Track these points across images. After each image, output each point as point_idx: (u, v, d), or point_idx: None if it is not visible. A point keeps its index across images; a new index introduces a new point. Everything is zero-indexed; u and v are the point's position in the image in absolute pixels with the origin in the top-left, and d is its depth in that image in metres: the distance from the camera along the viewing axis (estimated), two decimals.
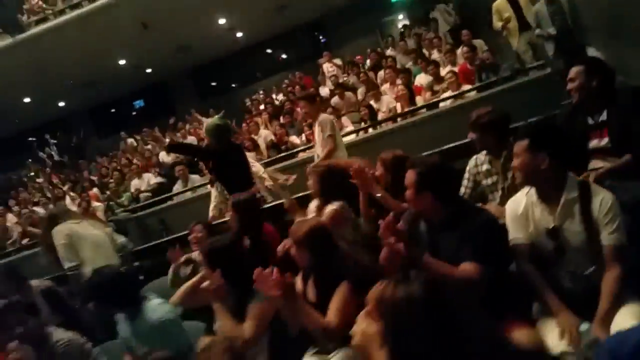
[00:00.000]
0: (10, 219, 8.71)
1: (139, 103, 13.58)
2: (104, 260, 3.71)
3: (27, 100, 11.49)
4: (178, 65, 12.24)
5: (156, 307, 2.43)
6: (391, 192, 2.76)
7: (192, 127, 10.19)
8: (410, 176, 2.18)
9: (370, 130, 6.13)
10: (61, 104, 12.61)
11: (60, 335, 2.56)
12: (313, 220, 2.36)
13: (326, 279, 2.18)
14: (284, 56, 13.78)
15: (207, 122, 4.69)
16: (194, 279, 2.57)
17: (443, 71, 6.60)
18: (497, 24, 6.00)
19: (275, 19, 11.37)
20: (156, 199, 7.38)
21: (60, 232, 3.66)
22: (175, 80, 13.15)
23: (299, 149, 6.46)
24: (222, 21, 10.75)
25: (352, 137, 6.18)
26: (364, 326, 1.33)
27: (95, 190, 8.56)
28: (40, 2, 10.33)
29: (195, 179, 7.02)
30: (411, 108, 5.98)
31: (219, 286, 2.28)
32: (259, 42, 12.58)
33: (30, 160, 12.34)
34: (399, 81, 7.02)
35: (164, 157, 9.13)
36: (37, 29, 9.65)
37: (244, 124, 8.83)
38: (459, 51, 7.20)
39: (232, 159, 4.29)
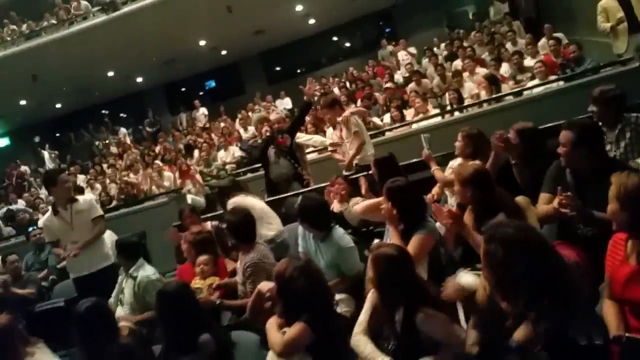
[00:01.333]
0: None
1: (210, 83, 14.32)
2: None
3: (110, 74, 12.34)
4: (250, 48, 12.94)
5: (342, 236, 3.00)
6: (523, 160, 3.23)
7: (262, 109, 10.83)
8: (566, 135, 2.65)
9: (457, 113, 6.57)
10: (139, 79, 13.46)
11: None
12: (474, 164, 2.85)
13: (486, 210, 2.65)
14: (348, 44, 14.29)
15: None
16: (376, 201, 3.09)
17: (527, 62, 6.97)
18: (604, 25, 5.80)
19: (347, 7, 11.86)
20: (244, 169, 7.98)
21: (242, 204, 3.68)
22: (247, 63, 13.86)
23: (385, 128, 6.96)
24: (299, 7, 11.32)
25: (438, 119, 6.64)
26: None
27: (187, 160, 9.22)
28: None
29: None
30: (497, 95, 6.37)
31: (393, 215, 2.81)
32: (328, 29, 13.14)
33: (104, 131, 13.29)
34: (481, 69, 7.45)
35: (243, 132, 9.80)
36: (129, 7, 10.40)
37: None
38: (540, 43, 7.57)
39: None
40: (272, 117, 5.82)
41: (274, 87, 13.03)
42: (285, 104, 11.81)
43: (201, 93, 14.57)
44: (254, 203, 3.82)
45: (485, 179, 2.66)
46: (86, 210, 4.05)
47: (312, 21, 12.36)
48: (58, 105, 13.63)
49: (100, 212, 4.19)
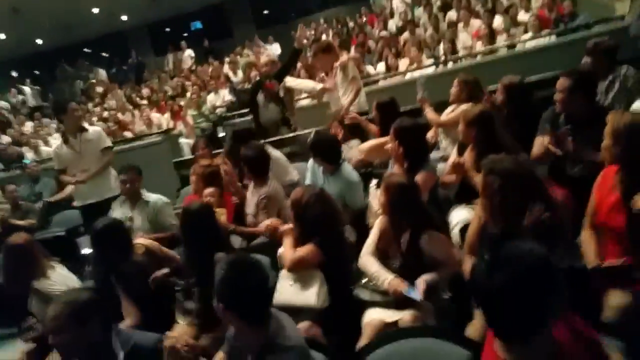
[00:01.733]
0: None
1: (196, 24, 13.93)
2: None
3: (95, 11, 11.88)
4: None
5: (351, 171, 3.19)
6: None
7: (251, 52, 10.67)
8: (563, 82, 2.82)
9: (450, 64, 6.67)
10: (124, 17, 13.01)
11: None
12: (480, 106, 3.02)
13: (488, 150, 2.84)
14: None
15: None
16: (383, 140, 3.26)
17: (520, 16, 7.04)
18: None
19: None
20: (233, 113, 8.03)
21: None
22: (235, 5, 13.47)
23: (380, 76, 7.05)
24: None
25: (432, 69, 6.74)
26: None
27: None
28: None
29: None
30: (491, 46, 6.48)
31: (399, 154, 2.98)
32: None
33: (86, 71, 12.93)
34: (476, 21, 7.49)
35: (232, 76, 9.70)
36: None
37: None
38: None
39: None
40: (263, 59, 5.72)
41: (262, 31, 12.73)
42: (273, 49, 11.63)
43: (186, 34, 14.19)
44: (273, 151, 3.92)
45: (489, 121, 2.84)
46: (95, 140, 4.19)
47: None
48: (39, 42, 13.16)
49: (109, 143, 4.34)
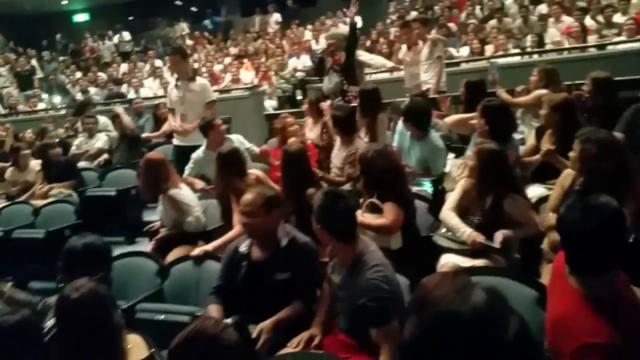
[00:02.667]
0: None
1: None
2: None
3: None
4: None
5: (438, 137, 3.57)
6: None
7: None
8: None
9: (536, 56, 6.76)
10: None
11: None
12: (565, 93, 3.30)
13: (569, 134, 3.12)
14: None
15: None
16: (469, 115, 3.61)
17: (615, 18, 6.97)
18: None
19: None
20: (312, 78, 8.46)
21: None
22: None
23: (463, 59, 7.24)
24: None
25: (517, 59, 6.87)
26: None
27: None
28: None
29: None
30: (582, 45, 6.51)
31: (485, 130, 3.31)
32: None
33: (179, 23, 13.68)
34: (567, 18, 7.47)
35: (314, 44, 10.11)
36: None
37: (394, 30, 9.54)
38: (633, 1, 7.46)
39: None
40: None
41: (345, 2, 12.96)
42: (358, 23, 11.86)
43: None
44: None
45: (573, 108, 3.13)
46: (198, 92, 4.50)
47: None
48: None
49: (213, 97, 4.67)
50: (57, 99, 9.71)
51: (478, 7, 9.68)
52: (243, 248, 2.42)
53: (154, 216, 4.66)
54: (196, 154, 4.07)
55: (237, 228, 3.03)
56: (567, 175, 2.57)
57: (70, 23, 15.58)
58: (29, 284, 3.99)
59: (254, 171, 3.39)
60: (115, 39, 13.30)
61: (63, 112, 8.14)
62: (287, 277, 2.27)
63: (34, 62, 12.14)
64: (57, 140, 6.04)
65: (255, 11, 12.95)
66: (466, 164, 3.51)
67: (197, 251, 2.84)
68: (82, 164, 5.47)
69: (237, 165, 3.24)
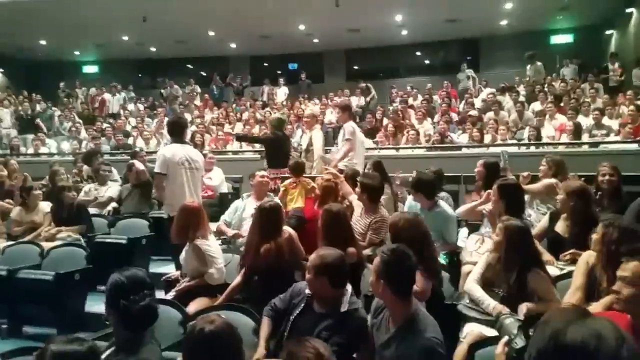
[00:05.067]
0: None
1: (293, 65, 15.21)
2: None
3: (210, 33, 13.29)
4: (340, 42, 13.77)
5: (447, 207, 3.78)
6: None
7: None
8: None
9: (533, 148, 7.20)
10: (232, 45, 14.42)
11: None
12: (580, 182, 3.55)
13: (583, 220, 3.34)
14: (428, 62, 15.01)
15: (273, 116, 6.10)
16: (477, 202, 3.82)
17: (605, 120, 7.58)
18: None
19: (440, 28, 12.54)
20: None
21: None
22: (331, 55, 14.72)
23: (464, 144, 7.67)
24: (398, 17, 12.06)
25: (514, 149, 7.30)
26: None
27: None
28: None
29: None
30: (577, 142, 7.01)
31: (499, 209, 3.49)
32: (415, 43, 13.86)
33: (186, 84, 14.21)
34: (560, 116, 8.08)
35: (329, 116, 10.45)
36: None
37: (391, 111, 10.11)
38: (621, 109, 8.16)
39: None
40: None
41: (349, 83, 13.79)
42: (360, 102, 12.49)
43: (280, 72, 15.43)
44: None
45: (588, 194, 3.35)
46: None
47: (404, 32, 13.07)
48: (152, 49, 14.67)
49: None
50: (65, 145, 9.80)
51: (476, 100, 10.35)
52: (308, 290, 2.51)
53: (159, 268, 4.71)
54: (239, 201, 4.34)
55: (237, 278, 3.29)
56: (589, 255, 2.73)
57: (79, 73, 16.05)
58: (22, 327, 3.92)
59: (287, 229, 3.47)
60: (123, 93, 13.72)
61: (68, 157, 8.22)
62: (327, 336, 2.30)
63: (38, 106, 12.38)
64: (65, 184, 6.04)
65: (265, 82, 13.58)
66: (483, 238, 3.71)
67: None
68: (91, 210, 5.48)
69: (276, 221, 3.33)
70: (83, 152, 7.86)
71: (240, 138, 8.22)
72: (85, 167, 6.83)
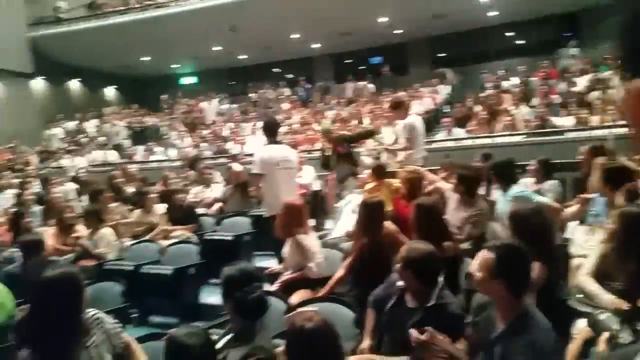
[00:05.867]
0: None
1: (376, 59, 15.15)
2: None
3: (294, 36, 13.68)
4: (423, 30, 13.48)
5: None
6: None
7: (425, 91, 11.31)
8: None
9: None
10: (315, 46, 14.73)
11: None
12: None
13: None
14: (521, 42, 14.14)
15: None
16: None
17: None
18: None
19: (534, 4, 11.74)
20: None
21: None
22: (414, 45, 14.46)
23: (566, 128, 7.15)
24: None
25: (624, 130, 6.66)
26: None
27: None
28: None
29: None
30: None
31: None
32: (505, 23, 13.13)
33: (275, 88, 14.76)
34: None
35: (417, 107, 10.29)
36: None
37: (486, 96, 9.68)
38: None
39: None
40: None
41: (434, 72, 13.41)
42: (447, 89, 12.16)
43: (364, 67, 15.47)
44: None
45: None
46: None
47: (493, 13, 12.43)
48: (242, 57, 15.43)
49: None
50: (172, 152, 10.69)
51: (580, 79, 9.57)
52: (400, 283, 2.53)
53: (262, 263, 4.98)
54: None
55: (340, 271, 3.36)
56: None
57: (179, 85, 17.35)
58: (149, 317, 4.38)
59: (389, 224, 3.53)
60: (217, 101, 14.62)
61: (176, 164, 8.96)
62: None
63: (147, 118, 13.63)
64: (176, 188, 6.61)
65: (349, 78, 13.68)
66: (593, 228, 3.46)
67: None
68: (198, 210, 5.93)
69: (375, 217, 3.40)
70: (188, 158, 8.51)
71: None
72: (191, 171, 7.39)
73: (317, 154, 8.84)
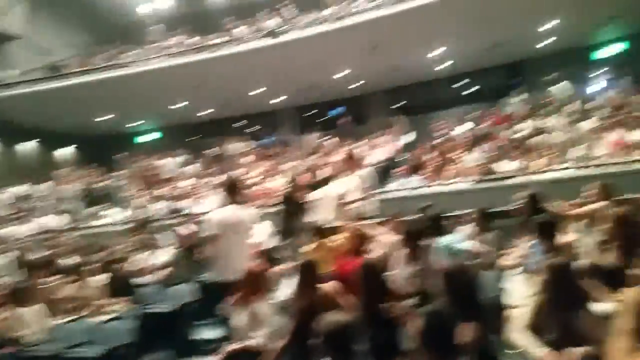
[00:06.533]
0: None
1: (337, 110, 15.48)
2: None
3: (257, 91, 13.77)
4: (381, 83, 13.93)
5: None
6: None
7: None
8: None
9: (590, 170, 6.73)
10: (278, 100, 14.90)
11: None
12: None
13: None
14: (470, 90, 14.75)
15: None
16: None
17: None
18: None
19: (481, 56, 12.35)
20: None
21: None
22: (374, 96, 14.92)
23: (512, 173, 7.31)
24: (436, 51, 12.06)
25: (567, 172, 6.87)
26: None
27: None
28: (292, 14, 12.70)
29: None
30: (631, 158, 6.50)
31: None
32: (456, 74, 13.74)
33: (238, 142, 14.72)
34: (613, 134, 7.54)
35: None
36: (289, 37, 11.74)
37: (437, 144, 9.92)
38: None
39: None
40: None
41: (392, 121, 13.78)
42: (408, 138, 12.35)
43: (324, 119, 15.75)
44: None
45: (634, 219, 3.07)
46: None
47: (443, 65, 12.98)
48: (204, 112, 15.48)
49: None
50: (120, 215, 10.37)
51: (522, 124, 9.88)
52: None
53: (207, 333, 4.71)
54: None
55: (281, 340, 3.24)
56: (637, 292, 2.42)
57: (138, 143, 17.16)
58: None
59: (326, 285, 3.43)
60: (178, 158, 14.48)
61: (125, 227, 8.64)
62: None
63: (103, 179, 13.26)
64: (119, 256, 6.34)
65: (311, 130, 13.85)
66: (531, 278, 3.42)
67: None
68: (144, 279, 5.67)
69: (312, 278, 3.31)
70: (138, 220, 8.24)
71: None
72: (139, 235, 7.14)
73: (274, 209, 8.81)
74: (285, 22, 12.40)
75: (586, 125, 8.46)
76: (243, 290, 3.50)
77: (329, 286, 3.48)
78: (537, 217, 3.61)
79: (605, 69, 12.55)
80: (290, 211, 5.79)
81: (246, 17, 13.43)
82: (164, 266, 6.11)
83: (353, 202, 5.72)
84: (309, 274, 3.35)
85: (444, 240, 3.78)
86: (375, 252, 4.43)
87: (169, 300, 5.06)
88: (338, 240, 4.58)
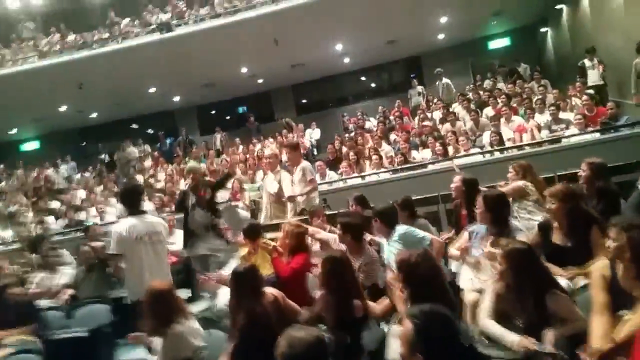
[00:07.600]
0: None
1: (242, 108, 14.97)
2: None
3: (151, 90, 12.89)
4: (286, 79, 13.68)
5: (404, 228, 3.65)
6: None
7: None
8: None
9: (497, 154, 7.13)
10: (176, 98, 14.04)
11: None
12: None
13: (575, 221, 3.13)
14: (375, 85, 15.15)
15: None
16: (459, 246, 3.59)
17: (561, 114, 7.62)
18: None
19: (381, 51, 12.67)
20: None
21: None
22: (279, 92, 14.57)
23: (428, 161, 7.52)
24: (338, 47, 12.09)
25: (479, 158, 7.21)
26: None
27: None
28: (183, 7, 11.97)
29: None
30: (537, 140, 6.98)
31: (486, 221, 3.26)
32: (359, 69, 13.96)
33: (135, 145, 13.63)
34: (516, 117, 8.10)
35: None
36: (182, 31, 11.06)
37: (350, 137, 10.00)
38: (576, 101, 8.26)
39: None
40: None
41: (302, 117, 13.70)
42: (315, 134, 12.36)
43: (229, 117, 15.20)
44: None
45: (578, 193, 3.19)
46: None
47: (346, 60, 13.13)
48: (93, 115, 14.09)
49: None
50: (8, 233, 9.03)
51: (435, 112, 10.31)
52: None
53: (130, 354, 4.15)
54: None
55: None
56: (604, 265, 2.47)
57: (18, 152, 15.16)
58: None
59: (270, 291, 3.08)
60: (66, 165, 13.08)
61: (15, 245, 7.51)
62: None
63: None
64: (12, 279, 5.40)
65: (216, 129, 13.25)
66: (478, 262, 3.40)
67: None
68: (45, 302, 4.87)
69: (253, 285, 2.96)
70: (29, 238, 7.16)
71: None
72: (32, 255, 6.17)
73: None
74: (175, 16, 11.69)
75: (488, 112, 9.01)
76: (152, 317, 2.96)
77: (274, 291, 3.15)
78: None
79: (499, 59, 13.53)
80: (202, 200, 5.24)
81: (130, 13, 12.58)
82: (67, 286, 5.31)
83: (296, 196, 5.42)
84: (246, 280, 2.97)
85: (401, 229, 3.62)
86: (316, 248, 4.22)
87: (80, 323, 4.37)
88: (274, 239, 4.26)
